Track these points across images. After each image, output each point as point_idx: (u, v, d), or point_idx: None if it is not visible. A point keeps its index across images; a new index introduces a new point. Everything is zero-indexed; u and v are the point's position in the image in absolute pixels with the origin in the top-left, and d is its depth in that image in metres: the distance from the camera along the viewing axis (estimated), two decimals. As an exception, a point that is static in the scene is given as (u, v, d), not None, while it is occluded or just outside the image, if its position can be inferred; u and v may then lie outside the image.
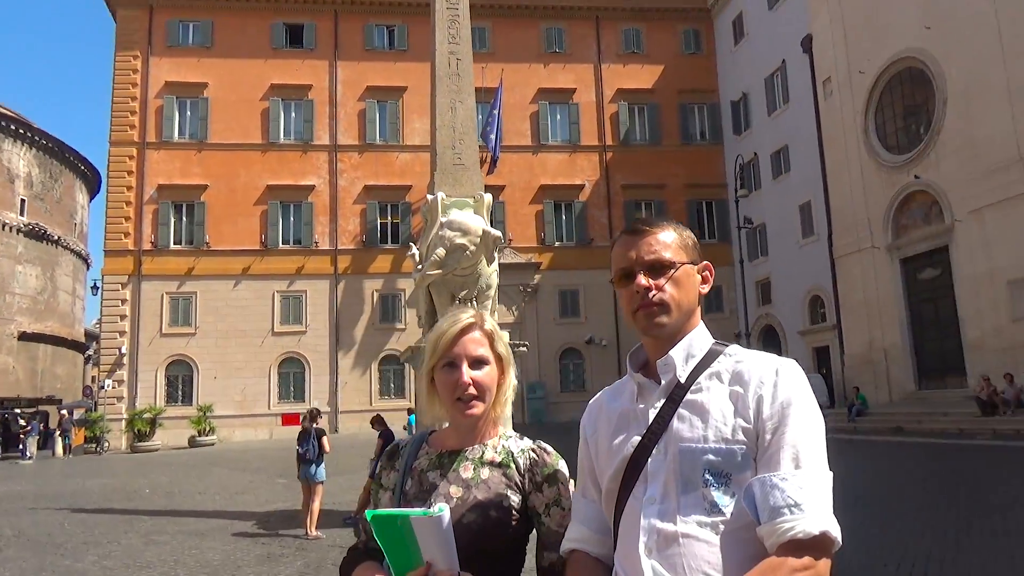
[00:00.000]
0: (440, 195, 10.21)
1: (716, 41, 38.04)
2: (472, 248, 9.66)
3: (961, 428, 18.27)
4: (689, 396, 1.44)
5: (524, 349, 10.59)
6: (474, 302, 10.03)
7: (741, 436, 1.37)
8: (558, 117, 36.57)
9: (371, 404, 31.72)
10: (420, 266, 9.98)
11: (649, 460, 1.43)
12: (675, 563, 1.34)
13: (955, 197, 22.93)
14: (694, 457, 1.38)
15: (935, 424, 19.38)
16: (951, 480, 11.88)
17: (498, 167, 32.78)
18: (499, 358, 1.70)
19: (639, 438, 1.46)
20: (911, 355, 25.20)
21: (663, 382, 1.48)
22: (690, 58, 37.88)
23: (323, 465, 10.04)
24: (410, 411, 12.29)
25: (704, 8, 38.14)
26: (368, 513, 1.46)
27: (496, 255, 10.22)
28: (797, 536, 1.26)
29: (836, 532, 1.28)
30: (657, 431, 1.44)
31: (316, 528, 9.46)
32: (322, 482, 9.97)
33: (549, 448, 1.73)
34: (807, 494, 1.29)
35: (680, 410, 1.44)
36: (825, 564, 1.28)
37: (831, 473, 1.35)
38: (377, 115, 35.07)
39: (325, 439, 10.29)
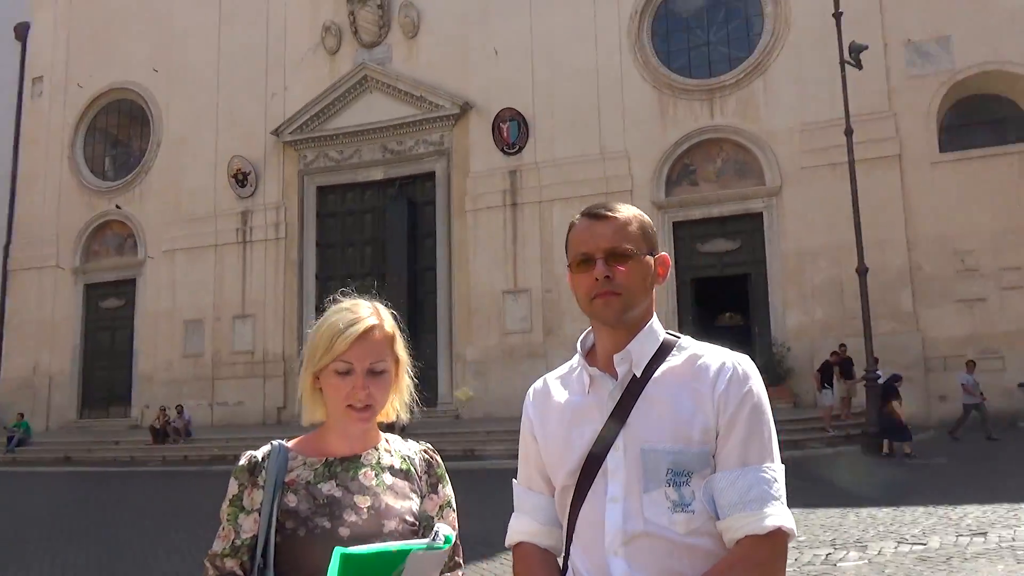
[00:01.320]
0: None
1: None
2: None
3: (133, 456, 18.91)
4: (648, 391, 1.41)
5: None
6: None
7: (702, 433, 1.37)
8: None
9: None
10: None
11: (608, 456, 1.40)
12: (642, 561, 1.34)
13: (152, 235, 24.12)
14: (657, 456, 1.36)
15: (107, 453, 19.47)
16: (117, 505, 12.43)
17: None
18: (396, 361, 1.56)
19: (595, 434, 1.42)
20: (78, 383, 24.69)
21: (619, 375, 1.44)
22: None
23: None
24: None
25: None
26: (339, 551, 1.25)
27: None
28: (755, 531, 1.31)
29: (791, 525, 1.33)
30: (615, 427, 1.41)
31: None
32: None
33: (434, 448, 1.68)
34: (764, 490, 1.33)
35: (639, 405, 1.41)
36: (782, 557, 1.35)
37: (783, 466, 1.39)
38: None
39: None
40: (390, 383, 1.54)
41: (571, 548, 1.45)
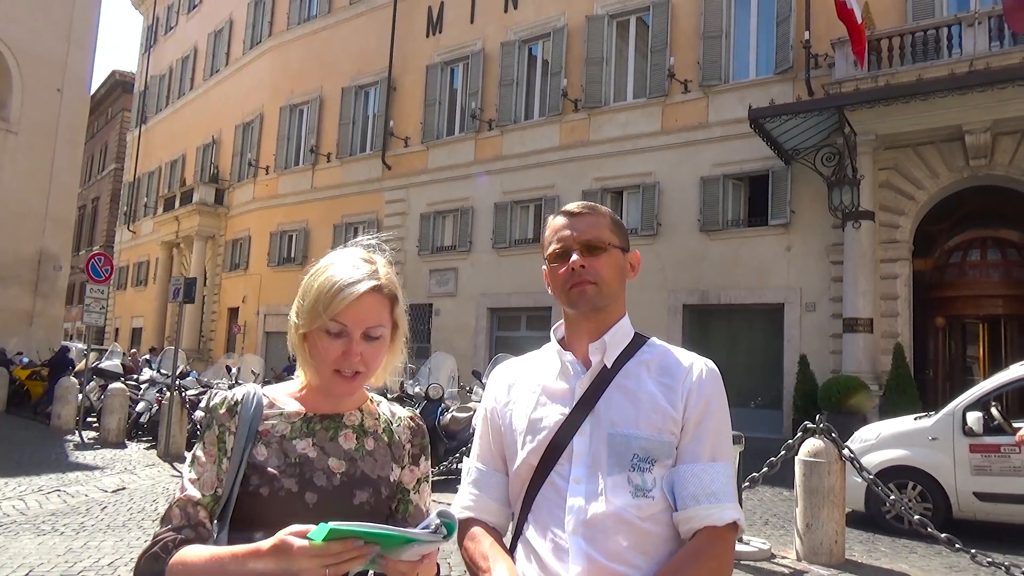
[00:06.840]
0: None
1: None
2: None
3: None
4: (619, 380, 1.44)
5: None
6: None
7: (670, 425, 1.40)
8: None
9: None
10: None
11: (574, 439, 1.42)
12: (602, 541, 1.35)
13: None
14: (625, 440, 1.39)
15: None
16: None
17: None
18: (394, 325, 1.38)
19: (563, 417, 1.44)
20: None
21: (593, 363, 1.46)
22: None
23: None
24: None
25: None
26: (326, 528, 1.02)
27: None
28: (714, 523, 1.34)
29: (742, 519, 1.39)
30: (583, 411, 1.43)
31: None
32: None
33: (420, 416, 1.54)
34: (721, 485, 1.37)
35: (610, 393, 1.43)
36: (734, 548, 1.41)
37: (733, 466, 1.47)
38: None
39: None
40: (384, 349, 1.36)
41: (524, 527, 1.45)
